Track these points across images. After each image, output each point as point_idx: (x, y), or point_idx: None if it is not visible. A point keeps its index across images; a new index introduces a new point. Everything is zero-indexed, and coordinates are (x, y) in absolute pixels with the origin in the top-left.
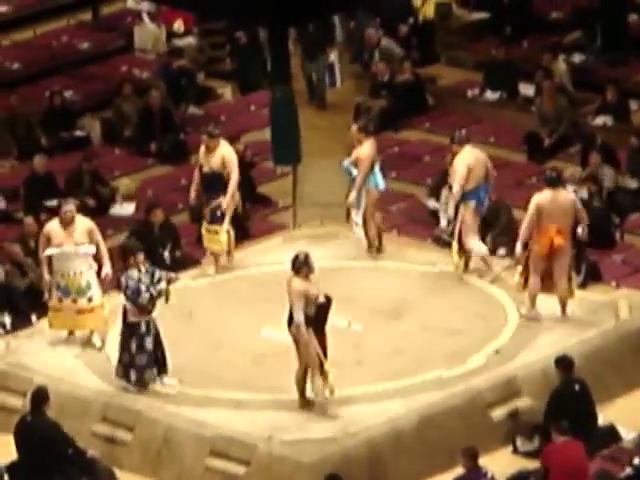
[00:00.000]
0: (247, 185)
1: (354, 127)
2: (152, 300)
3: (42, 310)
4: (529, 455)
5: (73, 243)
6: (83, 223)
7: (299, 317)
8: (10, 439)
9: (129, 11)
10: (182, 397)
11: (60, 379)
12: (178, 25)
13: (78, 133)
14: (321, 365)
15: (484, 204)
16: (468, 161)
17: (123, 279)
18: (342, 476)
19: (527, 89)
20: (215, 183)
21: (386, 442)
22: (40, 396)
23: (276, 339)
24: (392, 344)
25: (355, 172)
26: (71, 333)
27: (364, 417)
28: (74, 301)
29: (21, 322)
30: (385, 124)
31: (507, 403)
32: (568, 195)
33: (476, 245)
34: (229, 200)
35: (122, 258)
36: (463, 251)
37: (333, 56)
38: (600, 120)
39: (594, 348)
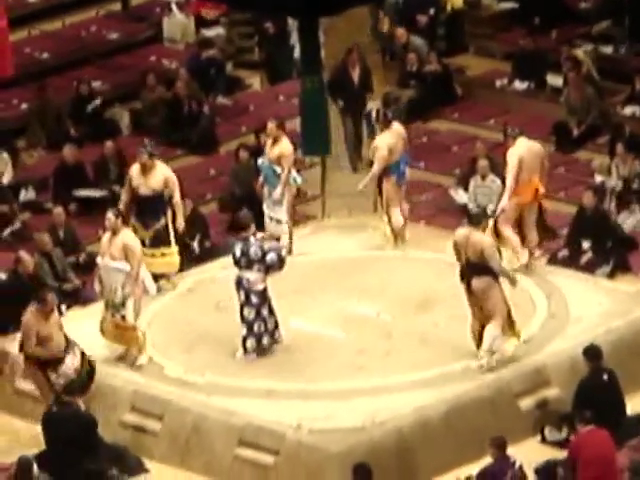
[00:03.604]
0: None
1: (271, 124)
2: (280, 259)
3: (71, 300)
4: (557, 445)
5: (110, 256)
6: (123, 238)
7: (501, 265)
8: (39, 429)
9: (158, 1)
10: (211, 386)
11: None
12: (206, 12)
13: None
14: (509, 313)
15: (405, 175)
16: (388, 142)
17: (239, 250)
18: (370, 465)
19: (555, 79)
20: (156, 205)
21: (414, 432)
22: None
23: (305, 329)
24: (420, 334)
25: (279, 169)
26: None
27: (392, 407)
28: (113, 315)
29: None
30: (413, 114)
31: (535, 393)
32: (539, 145)
33: (396, 216)
34: (181, 221)
35: (236, 230)
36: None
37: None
38: (629, 110)
39: (622, 338)
